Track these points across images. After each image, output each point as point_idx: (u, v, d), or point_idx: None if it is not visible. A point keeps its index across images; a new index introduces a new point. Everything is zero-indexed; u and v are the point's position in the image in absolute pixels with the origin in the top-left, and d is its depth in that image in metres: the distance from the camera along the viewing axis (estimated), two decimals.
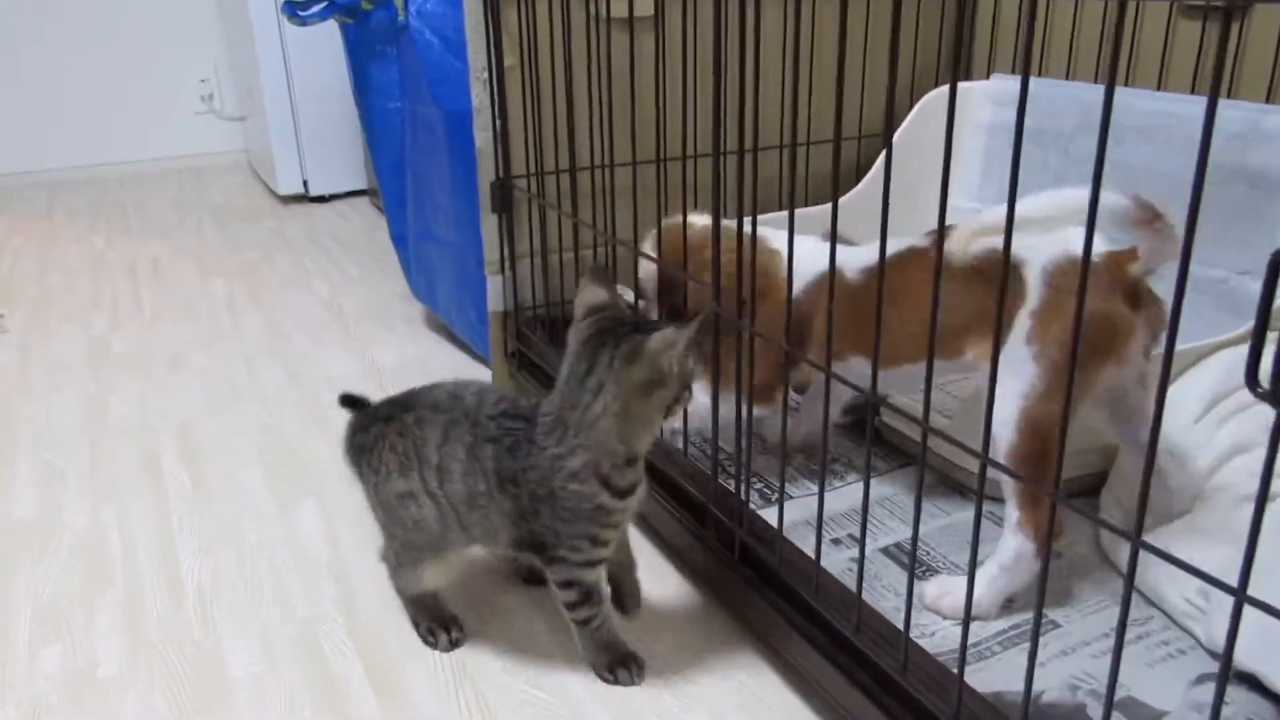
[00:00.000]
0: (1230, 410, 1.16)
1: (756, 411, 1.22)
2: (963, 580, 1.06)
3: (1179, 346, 0.63)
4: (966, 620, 0.79)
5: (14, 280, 2.56)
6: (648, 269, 1.34)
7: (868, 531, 0.92)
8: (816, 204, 1.74)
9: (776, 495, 1.30)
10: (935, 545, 1.20)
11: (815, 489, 1.31)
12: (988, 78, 1.83)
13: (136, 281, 2.52)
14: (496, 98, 1.58)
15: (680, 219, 1.25)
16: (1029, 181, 0.76)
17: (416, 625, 1.14)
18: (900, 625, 0.90)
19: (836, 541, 1.21)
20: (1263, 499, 0.55)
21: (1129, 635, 1.00)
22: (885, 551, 1.19)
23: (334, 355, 2.00)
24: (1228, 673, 0.57)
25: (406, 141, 1.95)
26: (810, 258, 1.12)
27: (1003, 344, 1.02)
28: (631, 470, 0.98)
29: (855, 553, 1.17)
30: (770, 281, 1.17)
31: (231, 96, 3.90)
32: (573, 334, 0.97)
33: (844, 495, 1.30)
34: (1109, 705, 0.67)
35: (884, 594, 1.11)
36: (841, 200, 1.69)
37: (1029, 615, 1.07)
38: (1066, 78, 1.75)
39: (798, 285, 1.16)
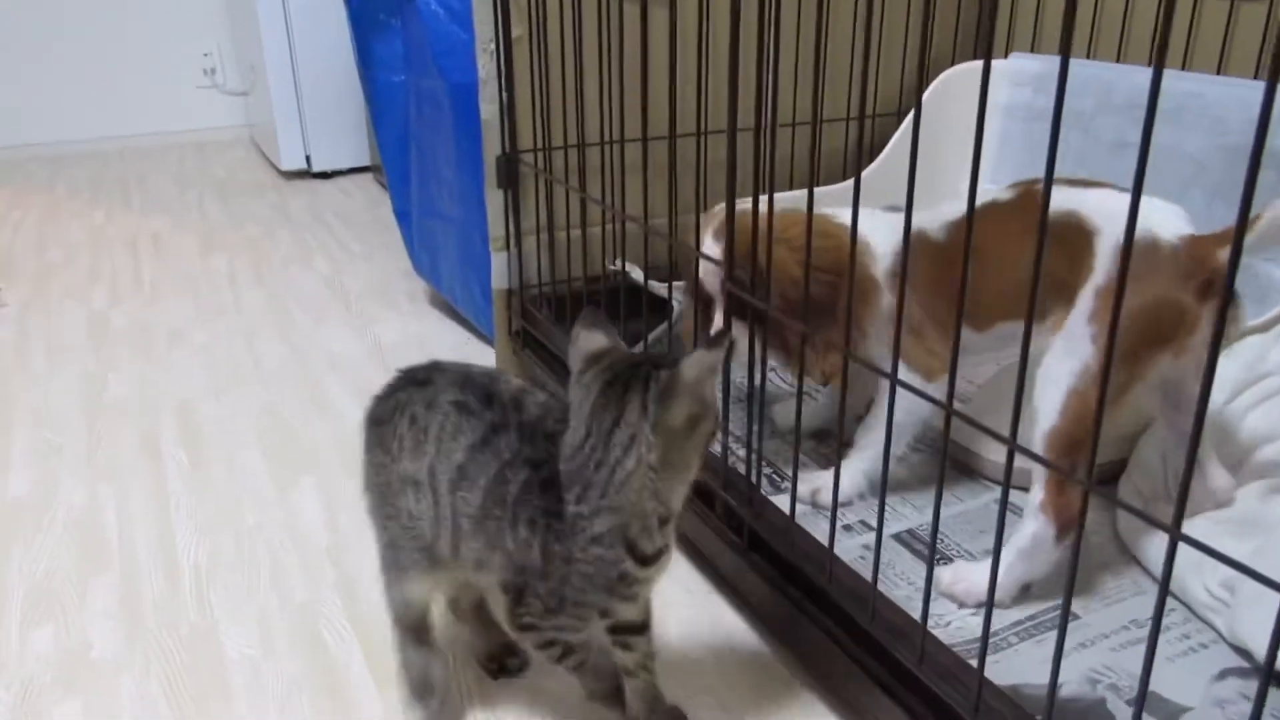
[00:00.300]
0: (1258, 397, 1.13)
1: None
2: (978, 566, 1.04)
3: None
4: (989, 611, 0.76)
5: (13, 254, 2.53)
6: (708, 265, 1.18)
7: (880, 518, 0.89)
8: (828, 183, 1.71)
9: (784, 482, 1.27)
10: (950, 532, 1.17)
11: (825, 476, 1.28)
12: (1005, 57, 1.79)
13: (137, 257, 2.49)
14: (503, 69, 1.54)
15: (738, 203, 1.10)
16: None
17: (404, 670, 0.97)
18: (913, 613, 0.87)
19: (848, 528, 1.18)
20: None
21: (1149, 629, 0.98)
22: (898, 538, 1.16)
23: (336, 333, 1.97)
24: (1271, 671, 0.54)
25: (411, 115, 1.91)
26: (887, 235, 1.10)
27: (1064, 319, 0.99)
28: (662, 532, 0.82)
29: (867, 539, 1.15)
30: (863, 275, 1.12)
31: (234, 70, 3.86)
32: (577, 387, 0.81)
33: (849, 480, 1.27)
34: (1140, 702, 0.64)
35: (897, 582, 1.09)
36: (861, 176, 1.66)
37: (1045, 605, 1.04)
38: (1087, 57, 1.71)
39: (882, 267, 1.13)
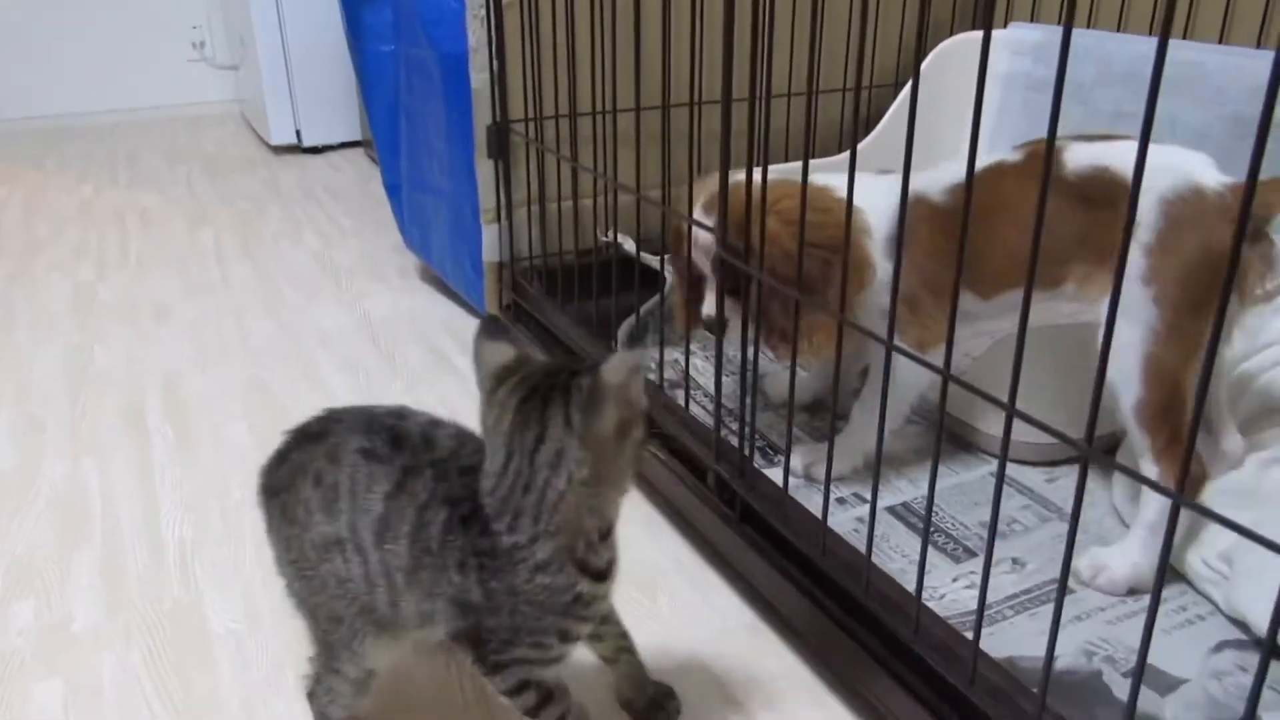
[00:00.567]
0: (1260, 368, 1.11)
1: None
2: (1113, 552, 1.01)
3: None
4: (984, 583, 0.75)
5: (0, 229, 2.50)
6: (706, 238, 1.13)
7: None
8: (824, 155, 1.69)
9: (777, 455, 1.26)
10: (945, 505, 1.16)
11: (818, 449, 1.27)
12: (1004, 26, 1.76)
13: (125, 231, 2.46)
14: (494, 37, 1.51)
15: (731, 174, 1.06)
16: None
17: None
18: (908, 586, 0.86)
19: (841, 501, 1.16)
20: None
21: (1146, 602, 0.96)
22: (892, 511, 1.15)
23: (325, 308, 1.95)
24: (1274, 642, 0.53)
25: (400, 86, 1.88)
26: (882, 203, 1.07)
27: (1099, 281, 0.96)
28: (606, 546, 0.77)
29: (860, 512, 1.13)
30: (858, 253, 1.09)
31: (223, 44, 3.81)
32: (489, 407, 0.74)
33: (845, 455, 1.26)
34: (1139, 672, 0.63)
35: (891, 555, 1.07)
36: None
37: (1040, 579, 1.03)
38: (1087, 26, 1.68)
39: (878, 239, 1.09)
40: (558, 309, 1.52)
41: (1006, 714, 0.75)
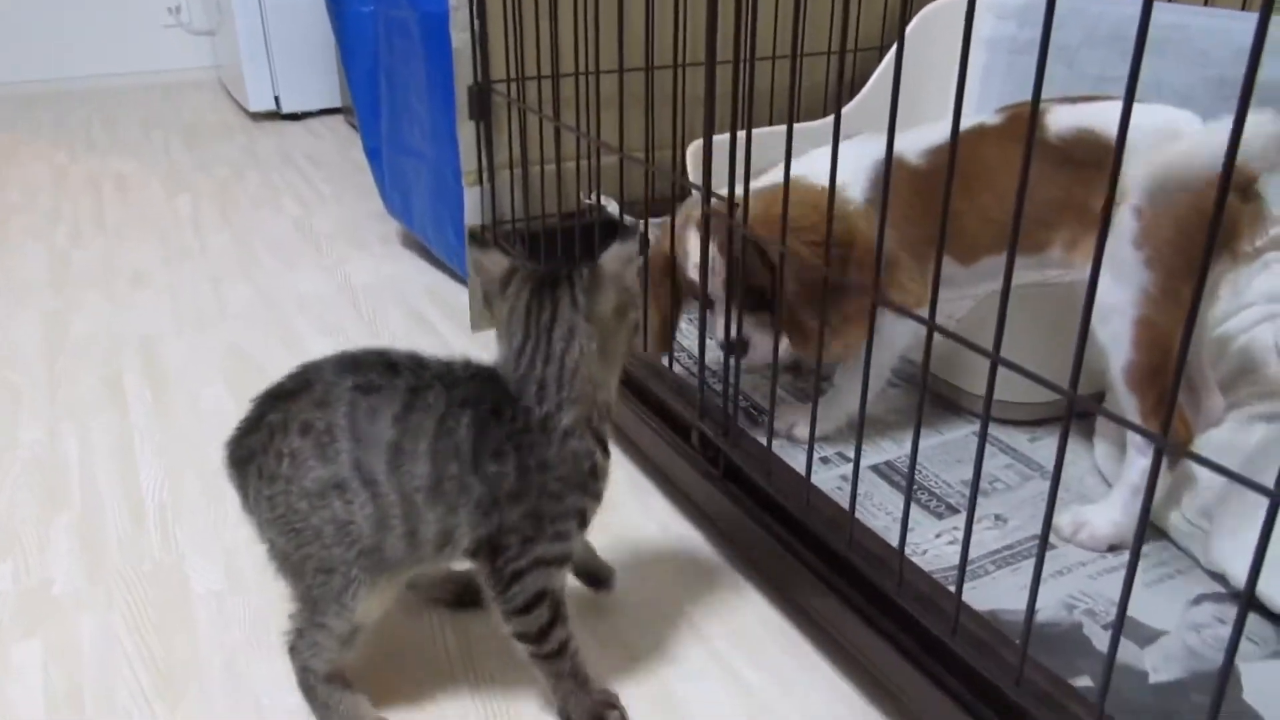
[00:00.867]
0: (1240, 327, 1.12)
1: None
2: (1096, 509, 1.02)
3: None
4: (967, 536, 0.75)
5: None
6: (698, 244, 1.07)
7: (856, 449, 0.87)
8: (809, 118, 1.68)
9: (761, 416, 1.26)
10: (928, 463, 1.16)
11: (802, 410, 1.27)
12: None
13: (101, 198, 2.43)
14: None
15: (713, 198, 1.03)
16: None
17: None
18: (890, 542, 0.86)
19: (825, 460, 1.16)
20: None
21: (1126, 557, 0.97)
22: (876, 469, 1.15)
23: (305, 275, 1.93)
24: (1256, 578, 0.53)
25: (380, 48, 1.86)
26: (859, 176, 1.05)
27: (1084, 245, 0.95)
28: (605, 421, 0.84)
29: (844, 470, 1.13)
30: (854, 236, 1.06)
31: (200, 9, 3.75)
32: (502, 302, 0.82)
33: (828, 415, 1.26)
34: (1119, 624, 0.63)
35: (875, 513, 1.07)
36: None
37: (1022, 535, 1.03)
38: None
39: (860, 212, 1.07)
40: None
41: (989, 665, 0.75)
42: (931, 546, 1.02)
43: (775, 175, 1.04)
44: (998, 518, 1.06)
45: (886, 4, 1.84)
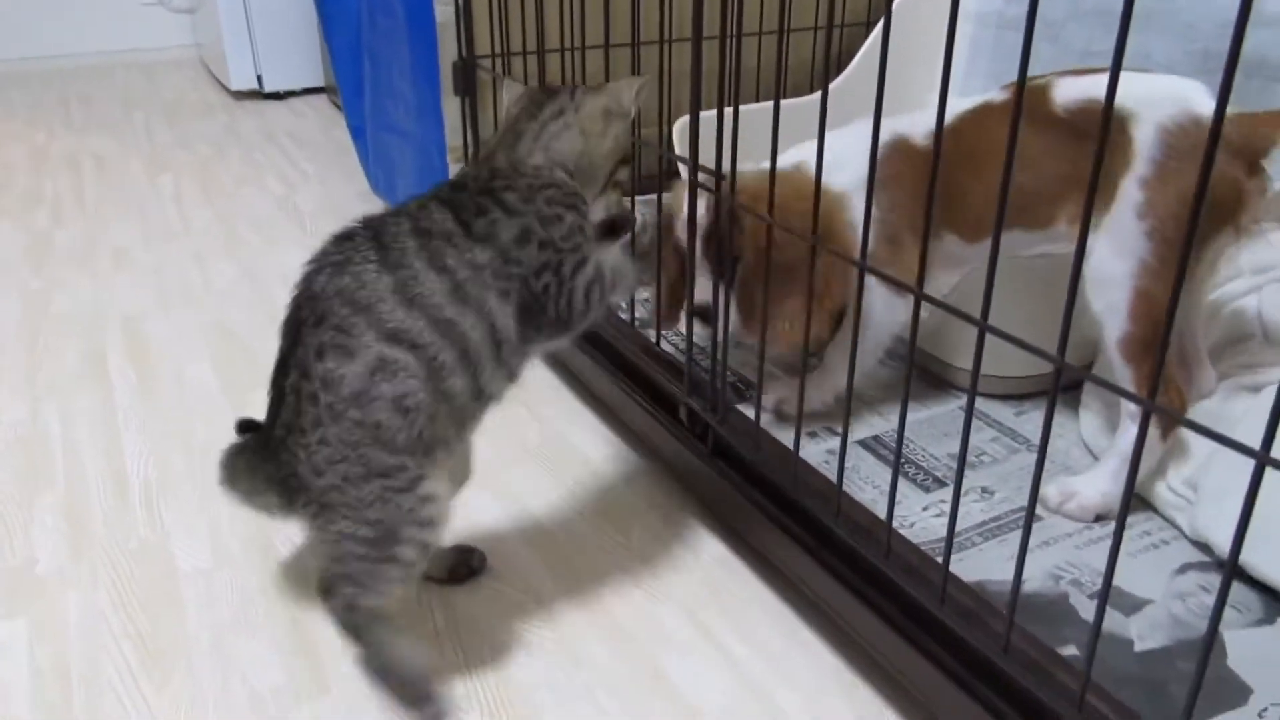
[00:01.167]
0: (1228, 297, 1.12)
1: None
2: (1084, 480, 1.02)
3: None
4: (954, 506, 0.75)
5: None
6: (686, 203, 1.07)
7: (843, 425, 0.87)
8: (796, 95, 1.67)
9: (749, 391, 1.26)
10: (915, 437, 1.16)
11: (790, 386, 1.27)
12: None
13: (81, 177, 2.40)
14: None
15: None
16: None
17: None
18: (878, 515, 0.86)
19: (813, 434, 1.17)
20: None
21: (1112, 527, 0.98)
22: (863, 444, 1.15)
23: (289, 253, 1.91)
24: (1238, 555, 0.53)
25: (363, 24, 1.84)
26: (854, 166, 1.03)
27: (1105, 216, 0.94)
28: (594, 208, 0.91)
29: (832, 445, 1.14)
30: (840, 232, 1.06)
31: None
32: (514, 103, 0.91)
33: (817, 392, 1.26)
34: (1105, 593, 0.64)
35: (862, 486, 1.08)
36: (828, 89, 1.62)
37: (1009, 507, 1.04)
38: None
39: (853, 205, 1.07)
40: None
41: (977, 634, 0.75)
42: (919, 519, 1.02)
43: (790, 156, 1.04)
44: (984, 490, 1.06)
45: None
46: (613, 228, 0.95)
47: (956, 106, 1.04)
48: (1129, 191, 0.92)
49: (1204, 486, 0.96)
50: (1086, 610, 0.89)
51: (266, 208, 2.18)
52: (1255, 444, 0.51)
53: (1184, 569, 0.94)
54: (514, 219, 0.83)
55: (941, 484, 1.08)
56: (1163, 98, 0.92)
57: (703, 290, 1.09)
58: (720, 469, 1.05)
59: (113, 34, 3.72)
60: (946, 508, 1.01)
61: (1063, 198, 0.98)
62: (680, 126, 1.48)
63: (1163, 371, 0.57)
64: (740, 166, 0.97)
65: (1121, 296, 0.94)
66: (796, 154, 1.07)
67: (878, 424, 1.19)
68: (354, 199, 2.20)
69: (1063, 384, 0.64)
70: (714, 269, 1.07)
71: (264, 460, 0.84)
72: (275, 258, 1.89)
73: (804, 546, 0.93)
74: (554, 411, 1.35)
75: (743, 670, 0.92)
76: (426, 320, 0.78)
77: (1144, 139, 0.92)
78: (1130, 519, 1.01)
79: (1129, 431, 0.99)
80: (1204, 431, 0.56)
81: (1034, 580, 0.93)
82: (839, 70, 1.73)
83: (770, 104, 0.92)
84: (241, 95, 3.22)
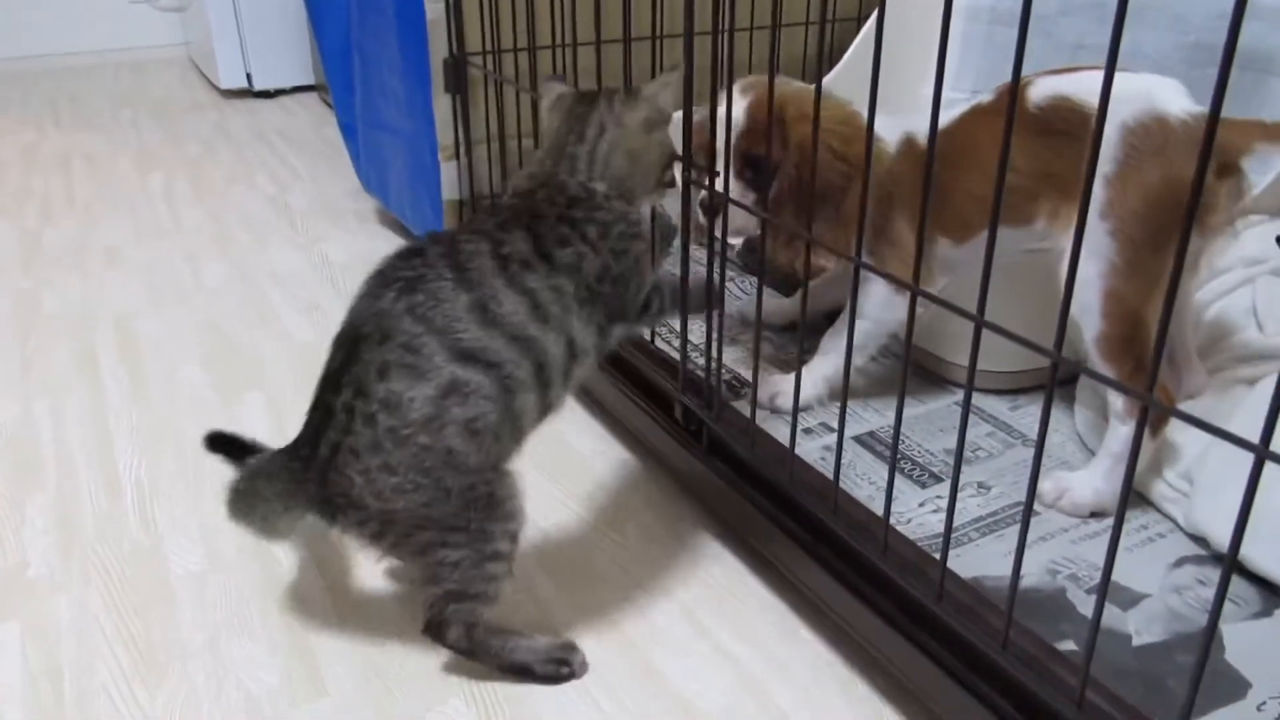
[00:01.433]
0: (1215, 293, 1.12)
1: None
2: (1078, 476, 1.02)
3: None
4: (951, 502, 0.75)
5: None
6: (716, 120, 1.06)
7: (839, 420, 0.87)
8: None
9: (744, 388, 1.25)
10: (911, 433, 1.16)
11: (785, 380, 1.26)
12: None
13: (70, 176, 2.39)
14: None
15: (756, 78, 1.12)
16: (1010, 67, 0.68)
17: (548, 664, 0.90)
18: (875, 511, 0.86)
19: (808, 431, 1.16)
20: None
21: (1108, 522, 0.98)
22: (859, 440, 1.15)
23: (280, 252, 1.90)
24: (1240, 537, 0.53)
25: (353, 21, 1.83)
26: (892, 136, 1.07)
27: (1074, 215, 0.94)
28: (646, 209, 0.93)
29: (827, 441, 1.13)
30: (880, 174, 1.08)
31: None
32: (553, 112, 0.91)
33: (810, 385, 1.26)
34: (1104, 587, 0.64)
35: (858, 482, 1.08)
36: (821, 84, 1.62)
37: (1005, 503, 1.04)
38: None
39: (887, 168, 1.08)
40: None
41: (975, 630, 0.75)
42: (916, 515, 1.02)
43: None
44: (980, 485, 1.06)
45: None
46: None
47: (952, 110, 1.04)
48: (1093, 191, 0.92)
49: (1200, 479, 0.96)
50: (1084, 605, 0.88)
51: (257, 206, 2.17)
52: (1251, 437, 0.51)
53: (1180, 562, 0.94)
54: (598, 257, 0.85)
55: (938, 479, 1.08)
56: (1127, 96, 0.91)
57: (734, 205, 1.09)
58: (716, 466, 1.04)
59: (102, 33, 3.69)
60: (943, 503, 1.00)
61: (1039, 195, 0.99)
62: (674, 122, 1.47)
63: (1157, 368, 0.56)
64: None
65: (1092, 297, 0.94)
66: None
67: (874, 420, 1.19)
68: (345, 197, 2.19)
69: (1058, 378, 0.64)
70: (747, 180, 1.10)
71: (299, 481, 0.82)
72: (266, 256, 1.88)
73: (801, 543, 0.92)
74: None
75: (740, 668, 0.91)
76: (505, 338, 0.79)
77: (1108, 136, 0.92)
78: (1127, 513, 1.01)
79: (1117, 431, 0.99)
80: (1202, 425, 0.55)
81: (1031, 575, 0.92)
82: (831, 65, 1.73)
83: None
84: (231, 93, 3.21)
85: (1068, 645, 0.84)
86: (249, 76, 3.15)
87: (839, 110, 1.10)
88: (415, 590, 0.99)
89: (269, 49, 3.13)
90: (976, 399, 1.21)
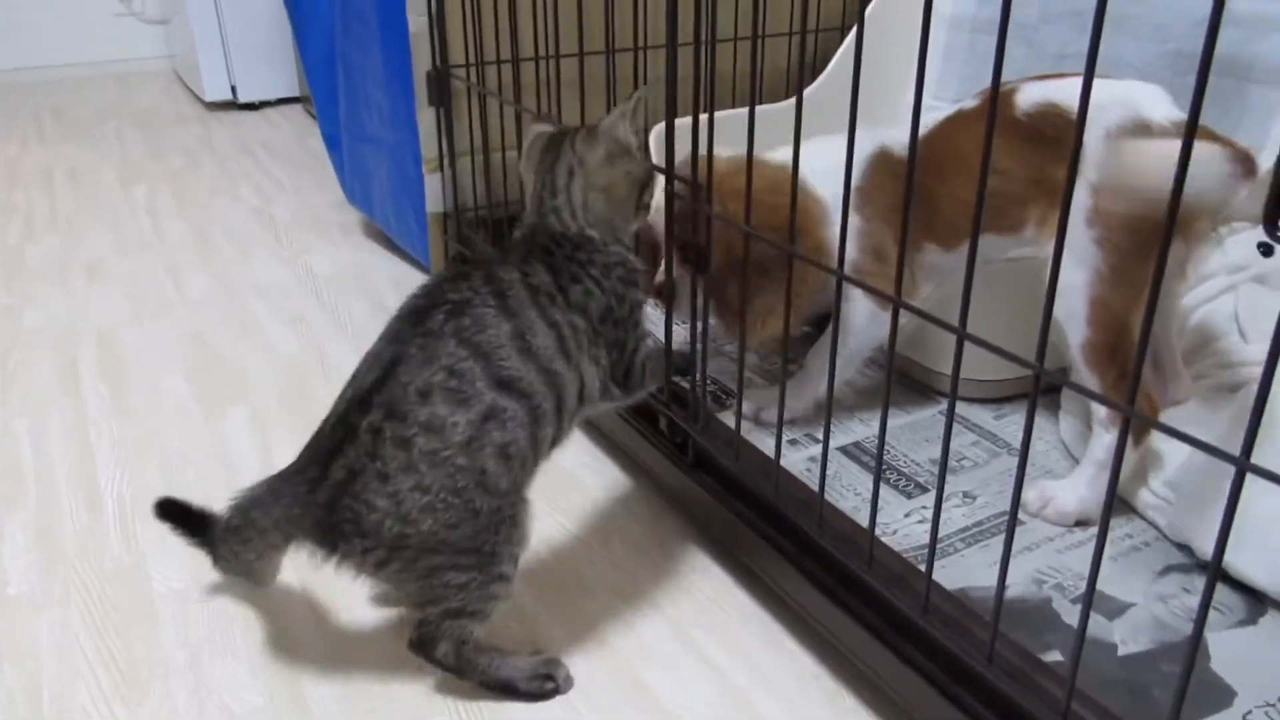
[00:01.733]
0: (1198, 300, 1.13)
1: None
2: (1063, 485, 1.02)
3: None
4: (936, 513, 0.75)
5: None
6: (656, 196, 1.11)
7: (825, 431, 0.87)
8: (773, 100, 1.67)
9: (729, 399, 1.25)
10: (896, 443, 1.16)
11: (769, 394, 1.26)
12: None
13: (53, 189, 2.37)
14: None
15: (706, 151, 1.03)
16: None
17: (533, 681, 0.89)
18: (860, 523, 0.86)
19: (793, 442, 1.16)
20: (1270, 371, 0.50)
21: (1094, 531, 0.98)
22: (844, 450, 1.15)
23: (265, 264, 1.90)
24: (1223, 548, 0.53)
25: (337, 32, 1.82)
26: (833, 173, 1.05)
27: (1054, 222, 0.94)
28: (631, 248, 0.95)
29: (813, 452, 1.13)
30: (813, 235, 1.07)
31: None
32: (528, 159, 0.93)
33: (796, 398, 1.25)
34: (1089, 597, 0.63)
35: (844, 493, 1.07)
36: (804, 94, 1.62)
37: (990, 513, 1.04)
38: None
39: (831, 214, 1.07)
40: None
41: (961, 642, 0.75)
42: (901, 526, 1.02)
43: (777, 153, 1.04)
44: (966, 495, 1.06)
45: None
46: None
47: (932, 116, 1.04)
48: (1079, 198, 0.92)
49: (1183, 487, 0.96)
50: (1070, 615, 0.88)
51: (241, 218, 2.16)
52: (1233, 448, 0.51)
53: (1166, 570, 0.94)
54: (603, 296, 0.87)
55: (924, 490, 1.08)
56: (1111, 102, 0.92)
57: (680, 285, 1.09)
58: (701, 479, 1.04)
59: (86, 46, 3.68)
60: (929, 514, 1.00)
61: (1029, 201, 0.99)
62: (657, 133, 1.47)
63: (1138, 378, 0.56)
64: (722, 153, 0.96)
65: (1079, 304, 0.94)
66: (783, 153, 1.06)
67: (859, 430, 1.19)
68: (329, 209, 2.19)
69: (1042, 387, 0.64)
70: (684, 261, 1.08)
71: (305, 505, 0.81)
72: (250, 268, 1.87)
73: (787, 556, 0.92)
74: None
75: (726, 680, 0.91)
76: (537, 370, 0.81)
77: (1093, 144, 0.92)
78: (1111, 521, 1.01)
79: (1101, 439, 0.99)
80: (1182, 437, 0.55)
81: (1017, 585, 0.92)
82: (815, 75, 1.73)
83: (746, 110, 0.92)
84: (216, 106, 3.20)
85: (1054, 656, 0.84)
86: (233, 88, 3.14)
87: (770, 178, 1.02)
88: (404, 610, 0.98)
89: (254, 61, 3.12)
90: (962, 408, 1.21)
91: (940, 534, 0.99)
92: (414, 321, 0.81)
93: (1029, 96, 0.98)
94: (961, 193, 1.00)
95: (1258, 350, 1.12)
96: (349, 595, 1.01)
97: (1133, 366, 0.55)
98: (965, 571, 0.94)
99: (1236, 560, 0.90)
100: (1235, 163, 0.86)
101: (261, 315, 1.66)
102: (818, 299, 1.11)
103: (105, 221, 2.15)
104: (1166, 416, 1.06)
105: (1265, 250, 1.19)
